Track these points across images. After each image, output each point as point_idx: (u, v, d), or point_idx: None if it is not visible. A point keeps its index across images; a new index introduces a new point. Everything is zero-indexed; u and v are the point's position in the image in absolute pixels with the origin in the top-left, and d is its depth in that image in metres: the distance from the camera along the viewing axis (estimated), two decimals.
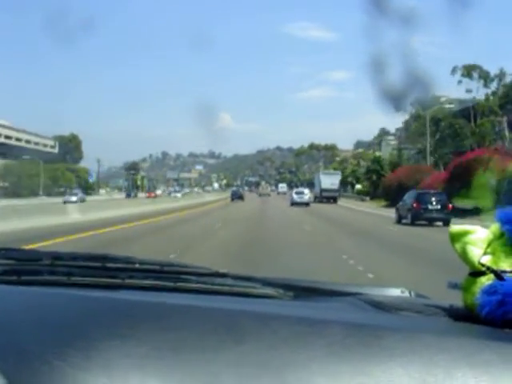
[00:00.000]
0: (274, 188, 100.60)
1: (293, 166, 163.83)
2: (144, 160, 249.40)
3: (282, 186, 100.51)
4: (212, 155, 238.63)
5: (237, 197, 58.11)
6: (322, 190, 58.44)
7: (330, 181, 59.10)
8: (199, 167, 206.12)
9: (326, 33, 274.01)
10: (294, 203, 44.49)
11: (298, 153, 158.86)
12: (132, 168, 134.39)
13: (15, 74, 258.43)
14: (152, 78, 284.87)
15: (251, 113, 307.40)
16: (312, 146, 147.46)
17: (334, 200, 56.20)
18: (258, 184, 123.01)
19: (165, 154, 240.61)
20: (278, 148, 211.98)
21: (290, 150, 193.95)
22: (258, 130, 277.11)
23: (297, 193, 48.75)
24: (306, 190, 51.85)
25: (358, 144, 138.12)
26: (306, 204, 44.59)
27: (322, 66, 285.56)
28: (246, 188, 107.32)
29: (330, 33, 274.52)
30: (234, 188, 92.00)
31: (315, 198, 59.78)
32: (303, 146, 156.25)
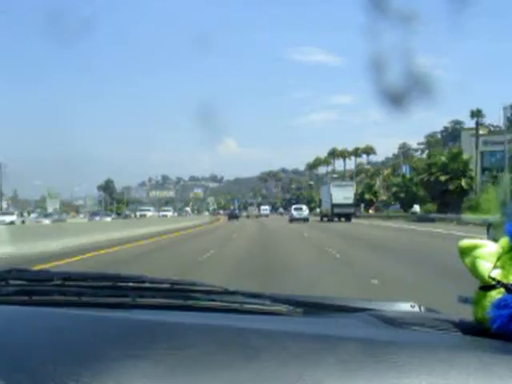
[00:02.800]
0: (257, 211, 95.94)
1: (302, 183, 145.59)
2: (143, 184, 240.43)
3: (265, 209, 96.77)
4: (214, 178, 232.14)
5: (233, 217, 64.75)
6: (334, 206, 47.89)
7: (342, 194, 48.41)
8: (198, 190, 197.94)
9: (329, 57, 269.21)
10: (292, 219, 47.60)
11: (315, 163, 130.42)
12: (106, 187, 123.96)
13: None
14: (152, 99, 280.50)
15: (255, 137, 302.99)
16: (334, 153, 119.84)
17: (348, 218, 46.98)
18: (257, 205, 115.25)
19: (165, 178, 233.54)
20: (283, 170, 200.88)
21: (295, 171, 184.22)
22: (261, 154, 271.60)
23: (296, 209, 51.61)
24: (304, 207, 54.13)
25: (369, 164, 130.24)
26: (305, 220, 47.48)
27: (325, 90, 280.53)
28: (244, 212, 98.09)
29: (334, 57, 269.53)
30: (228, 211, 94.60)
31: (323, 216, 51.40)
32: (318, 157, 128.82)
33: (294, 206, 55.71)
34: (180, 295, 1.12)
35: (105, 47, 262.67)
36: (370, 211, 67.51)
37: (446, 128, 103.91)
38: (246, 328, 0.83)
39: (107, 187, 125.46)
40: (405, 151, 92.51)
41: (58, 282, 1.17)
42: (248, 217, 73.64)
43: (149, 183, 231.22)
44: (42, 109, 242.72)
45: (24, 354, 0.72)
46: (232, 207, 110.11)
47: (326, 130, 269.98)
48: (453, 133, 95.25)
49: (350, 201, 49.05)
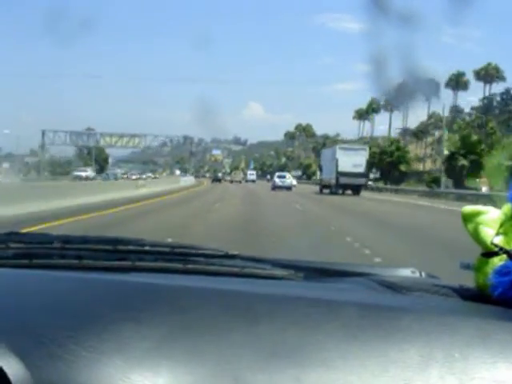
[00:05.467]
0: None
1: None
2: (164, 144, 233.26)
3: (251, 174, 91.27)
4: (237, 141, 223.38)
5: (216, 180, 67.56)
6: (340, 175, 37.29)
7: (351, 160, 37.86)
8: (217, 152, 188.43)
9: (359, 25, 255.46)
10: (275, 187, 44.31)
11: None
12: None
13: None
14: (182, 62, 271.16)
15: (281, 103, 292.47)
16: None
17: (356, 191, 37.42)
18: (279, 168, 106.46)
19: (186, 139, 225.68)
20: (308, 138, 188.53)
21: (323, 136, 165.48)
22: (288, 120, 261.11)
23: (279, 177, 49.48)
24: (288, 175, 52.23)
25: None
26: (288, 188, 44.14)
27: (353, 58, 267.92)
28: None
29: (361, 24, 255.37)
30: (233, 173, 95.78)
31: (324, 186, 41.00)
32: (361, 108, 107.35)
33: (277, 174, 53.52)
34: (180, 259, 1.11)
35: None
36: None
37: (507, 90, 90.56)
38: (247, 292, 0.82)
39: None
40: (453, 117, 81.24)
41: (58, 245, 1.16)
42: (231, 182, 72.18)
43: (170, 143, 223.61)
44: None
45: (24, 317, 0.72)
46: (249, 171, 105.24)
47: (353, 99, 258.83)
48: None
49: (361, 169, 38.36)
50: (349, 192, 38.02)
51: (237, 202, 24.68)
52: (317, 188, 43.94)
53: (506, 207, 0.86)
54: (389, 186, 55.09)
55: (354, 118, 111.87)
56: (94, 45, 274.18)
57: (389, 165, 65.62)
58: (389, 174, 64.94)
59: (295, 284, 1.01)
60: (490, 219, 0.87)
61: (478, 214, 0.88)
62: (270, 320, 0.70)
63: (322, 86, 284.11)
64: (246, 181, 79.12)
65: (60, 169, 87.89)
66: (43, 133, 79.20)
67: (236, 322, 0.70)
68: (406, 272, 1.13)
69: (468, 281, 0.93)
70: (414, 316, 0.72)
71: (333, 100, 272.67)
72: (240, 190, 41.02)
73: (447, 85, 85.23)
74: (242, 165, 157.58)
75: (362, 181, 38.51)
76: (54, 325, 0.69)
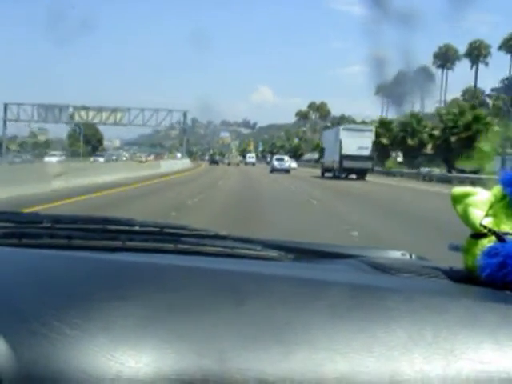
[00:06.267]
0: (241, 158, 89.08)
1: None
2: (172, 127, 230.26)
3: (251, 156, 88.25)
4: (246, 124, 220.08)
5: (213, 162, 68.78)
6: (344, 158, 34.24)
7: (356, 142, 34.65)
8: (225, 134, 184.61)
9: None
10: (274, 170, 44.05)
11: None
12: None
13: None
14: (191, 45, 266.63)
15: (293, 87, 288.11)
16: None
17: (361, 175, 34.45)
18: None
19: (195, 121, 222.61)
20: (322, 118, 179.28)
21: (334, 118, 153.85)
22: (298, 103, 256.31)
23: (277, 159, 49.48)
24: (286, 157, 51.90)
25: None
26: (286, 171, 43.66)
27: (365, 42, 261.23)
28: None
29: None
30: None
31: (326, 170, 37.98)
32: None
33: (275, 157, 53.26)
34: (171, 239, 1.10)
35: None
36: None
37: None
38: (236, 271, 0.82)
39: None
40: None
41: (48, 225, 1.16)
42: (228, 164, 71.29)
43: (178, 126, 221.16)
44: None
45: (11, 295, 0.72)
46: (248, 154, 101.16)
47: (363, 82, 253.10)
48: None
49: (367, 152, 34.97)
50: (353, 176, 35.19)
51: (231, 186, 23.15)
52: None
53: (496, 189, 0.86)
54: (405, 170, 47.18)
55: (375, 94, 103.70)
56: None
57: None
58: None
59: (284, 265, 1.01)
60: (479, 201, 0.86)
61: (467, 195, 0.88)
62: (256, 299, 0.70)
63: (334, 69, 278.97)
64: (246, 163, 78.03)
65: (38, 150, 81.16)
66: (5, 106, 68.62)
67: (222, 301, 0.70)
68: (396, 254, 1.13)
69: (458, 262, 0.92)
70: (401, 297, 0.72)
71: (346, 82, 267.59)
72: (236, 176, 37.10)
73: (467, 55, 79.43)
74: (251, 147, 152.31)
75: (367, 164, 35.20)
76: (38, 302, 0.69)
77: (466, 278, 0.85)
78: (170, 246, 1.06)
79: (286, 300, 0.70)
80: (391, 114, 74.76)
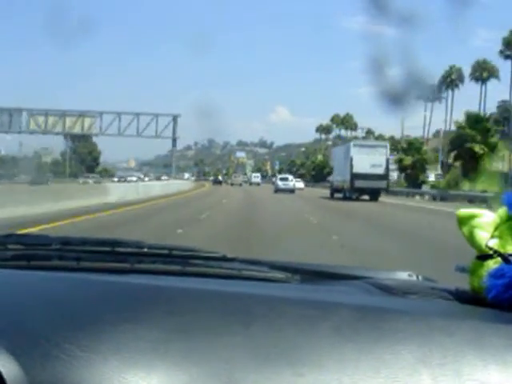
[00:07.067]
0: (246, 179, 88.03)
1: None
2: (189, 148, 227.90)
3: (256, 176, 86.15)
4: (263, 144, 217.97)
5: (216, 182, 70.04)
6: (355, 177, 30.49)
7: (369, 159, 30.93)
8: (241, 154, 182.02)
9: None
10: (278, 190, 42.03)
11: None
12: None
13: None
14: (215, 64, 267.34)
15: (309, 107, 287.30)
16: None
17: (374, 195, 30.70)
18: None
19: (211, 142, 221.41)
20: (340, 137, 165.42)
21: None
22: (315, 123, 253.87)
23: (281, 179, 47.46)
24: (291, 177, 50.41)
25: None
26: (291, 191, 41.81)
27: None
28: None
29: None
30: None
31: (336, 190, 34.10)
32: None
33: (279, 176, 51.77)
34: (179, 261, 1.11)
35: None
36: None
37: None
38: (244, 294, 0.83)
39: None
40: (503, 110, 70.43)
41: (57, 247, 1.17)
42: (232, 184, 70.40)
43: (194, 147, 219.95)
44: None
45: (21, 317, 0.72)
46: (253, 174, 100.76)
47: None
48: None
49: (381, 170, 31.16)
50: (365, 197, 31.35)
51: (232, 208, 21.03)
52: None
53: (501, 210, 0.87)
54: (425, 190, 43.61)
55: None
56: None
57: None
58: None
59: (292, 286, 1.02)
60: (484, 222, 0.87)
61: (473, 217, 0.89)
62: (265, 321, 0.71)
63: (350, 89, 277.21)
64: (250, 183, 77.42)
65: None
66: None
67: (231, 323, 0.71)
68: (402, 275, 1.12)
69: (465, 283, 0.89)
70: (408, 318, 0.72)
71: (363, 101, 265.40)
72: (238, 195, 34.14)
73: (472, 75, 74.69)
74: (267, 167, 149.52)
75: (381, 184, 31.46)
76: (50, 325, 0.69)
77: (472, 299, 0.86)
78: (179, 268, 1.07)
79: (294, 322, 0.71)
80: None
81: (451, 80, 71.97)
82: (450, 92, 73.66)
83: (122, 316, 0.71)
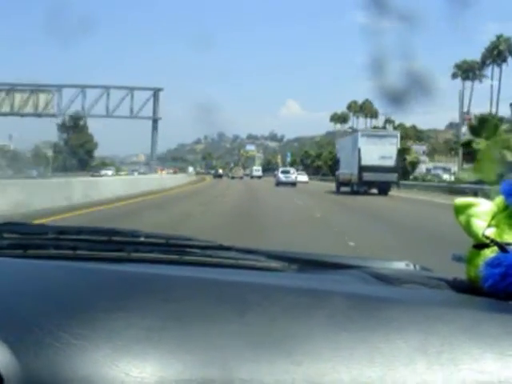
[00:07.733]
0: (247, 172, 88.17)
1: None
2: (198, 141, 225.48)
3: (257, 169, 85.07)
4: (273, 138, 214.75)
5: (217, 176, 70.20)
6: (363, 169, 28.11)
7: (378, 150, 28.50)
8: (250, 148, 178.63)
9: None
10: (279, 183, 42.02)
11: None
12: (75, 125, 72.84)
13: None
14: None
15: (320, 101, 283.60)
16: None
17: (383, 189, 28.45)
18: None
19: (221, 135, 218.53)
20: (353, 129, 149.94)
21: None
22: (325, 117, 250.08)
23: (283, 172, 47.49)
24: (292, 170, 50.52)
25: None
26: (292, 184, 41.58)
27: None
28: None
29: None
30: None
31: (342, 184, 31.75)
32: None
33: (280, 169, 51.16)
34: (175, 250, 1.12)
35: None
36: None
37: None
38: (239, 282, 0.83)
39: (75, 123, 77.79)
40: None
41: (53, 236, 1.17)
42: (232, 178, 70.51)
43: (204, 140, 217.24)
44: None
45: (16, 305, 0.73)
46: (254, 167, 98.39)
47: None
48: None
49: (391, 162, 28.65)
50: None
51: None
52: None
53: (498, 199, 0.87)
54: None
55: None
56: None
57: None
58: None
59: (288, 275, 1.02)
60: (481, 211, 0.87)
61: (469, 206, 0.88)
62: (260, 310, 0.71)
63: (363, 82, 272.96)
64: (252, 177, 76.83)
65: None
66: None
67: (226, 311, 0.71)
68: (399, 265, 1.12)
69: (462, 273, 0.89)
70: (404, 307, 0.72)
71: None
72: (239, 188, 32.66)
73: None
74: (278, 159, 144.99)
75: (392, 177, 28.86)
76: (43, 313, 0.70)
77: (468, 288, 0.86)
78: (175, 257, 1.07)
79: (290, 310, 0.71)
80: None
81: (498, 52, 63.57)
82: (494, 68, 65.30)
83: (116, 304, 0.71)
